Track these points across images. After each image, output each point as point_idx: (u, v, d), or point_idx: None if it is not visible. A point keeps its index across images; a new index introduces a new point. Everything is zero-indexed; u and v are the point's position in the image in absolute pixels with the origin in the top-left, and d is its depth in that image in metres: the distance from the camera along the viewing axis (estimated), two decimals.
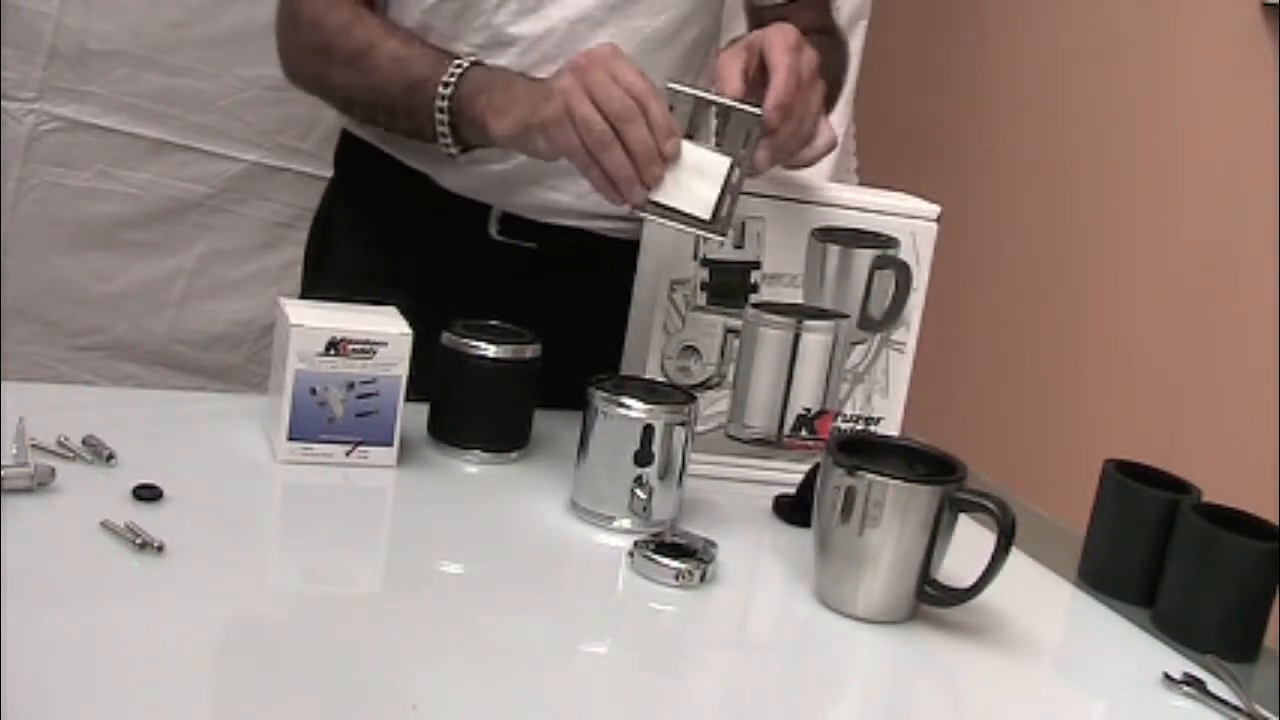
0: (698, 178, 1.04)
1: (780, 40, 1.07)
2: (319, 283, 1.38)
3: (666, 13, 1.28)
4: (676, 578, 0.97)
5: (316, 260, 1.44)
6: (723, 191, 1.04)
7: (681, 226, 1.05)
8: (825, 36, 1.36)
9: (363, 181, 1.38)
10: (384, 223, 1.36)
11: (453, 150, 1.18)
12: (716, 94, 1.06)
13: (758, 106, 1.04)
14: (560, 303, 1.26)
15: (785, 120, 1.05)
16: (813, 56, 1.08)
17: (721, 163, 1.05)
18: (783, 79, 1.04)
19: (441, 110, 1.16)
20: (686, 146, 1.05)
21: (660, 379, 1.15)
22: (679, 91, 1.05)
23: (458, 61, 1.16)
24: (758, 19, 1.42)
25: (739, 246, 1.14)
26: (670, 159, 1.04)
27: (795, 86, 1.05)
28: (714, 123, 1.06)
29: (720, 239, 1.06)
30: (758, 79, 1.08)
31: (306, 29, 1.25)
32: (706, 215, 1.04)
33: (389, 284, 1.18)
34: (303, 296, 1.34)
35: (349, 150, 1.40)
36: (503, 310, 1.18)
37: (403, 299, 1.14)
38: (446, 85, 1.15)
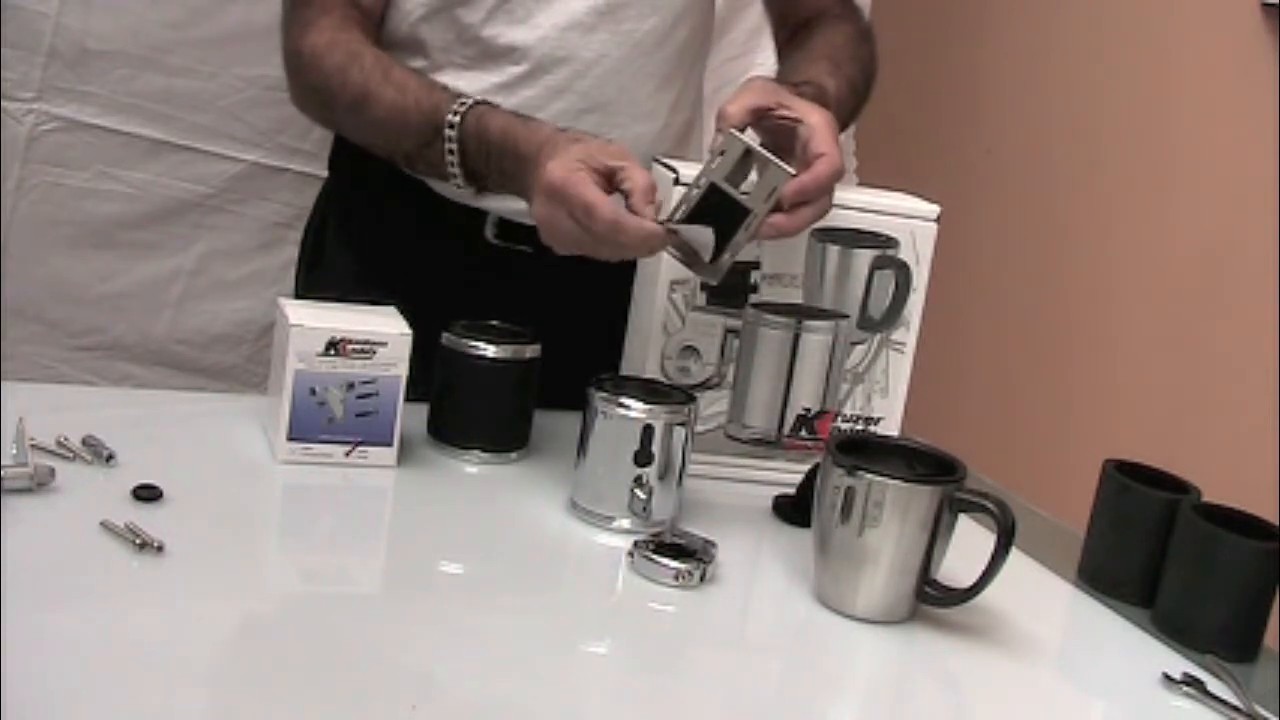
0: (717, 218, 1.05)
1: (827, 127, 1.08)
2: (313, 286, 1.37)
3: (657, 14, 1.27)
4: (676, 578, 0.97)
5: (310, 264, 1.43)
6: (731, 238, 1.05)
7: (682, 257, 1.06)
8: (850, 27, 1.33)
9: (357, 186, 1.38)
10: (379, 228, 1.36)
11: (480, 194, 1.18)
12: (761, 146, 1.07)
13: (791, 167, 1.05)
14: (558, 305, 1.26)
15: (797, 201, 1.06)
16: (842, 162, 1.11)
17: (740, 211, 1.05)
18: (824, 171, 1.06)
19: (453, 165, 1.15)
20: (716, 188, 1.05)
21: (660, 379, 1.15)
22: (735, 139, 1.06)
23: (450, 120, 1.13)
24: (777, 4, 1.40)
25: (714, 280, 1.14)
26: (657, 220, 1.03)
27: (824, 185, 1.07)
28: (754, 170, 1.07)
29: (712, 283, 1.08)
30: (778, 133, 1.10)
31: (307, 70, 1.22)
32: (707, 256, 1.05)
33: (384, 288, 1.17)
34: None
35: (343, 155, 1.39)
36: (501, 313, 1.18)
37: (399, 304, 1.14)
38: (451, 152, 1.14)
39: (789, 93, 1.13)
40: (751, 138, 1.07)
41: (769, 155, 1.05)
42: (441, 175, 1.17)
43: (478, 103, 1.15)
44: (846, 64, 1.26)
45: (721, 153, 1.05)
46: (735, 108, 1.09)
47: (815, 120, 1.09)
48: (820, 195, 1.07)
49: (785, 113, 1.10)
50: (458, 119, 1.13)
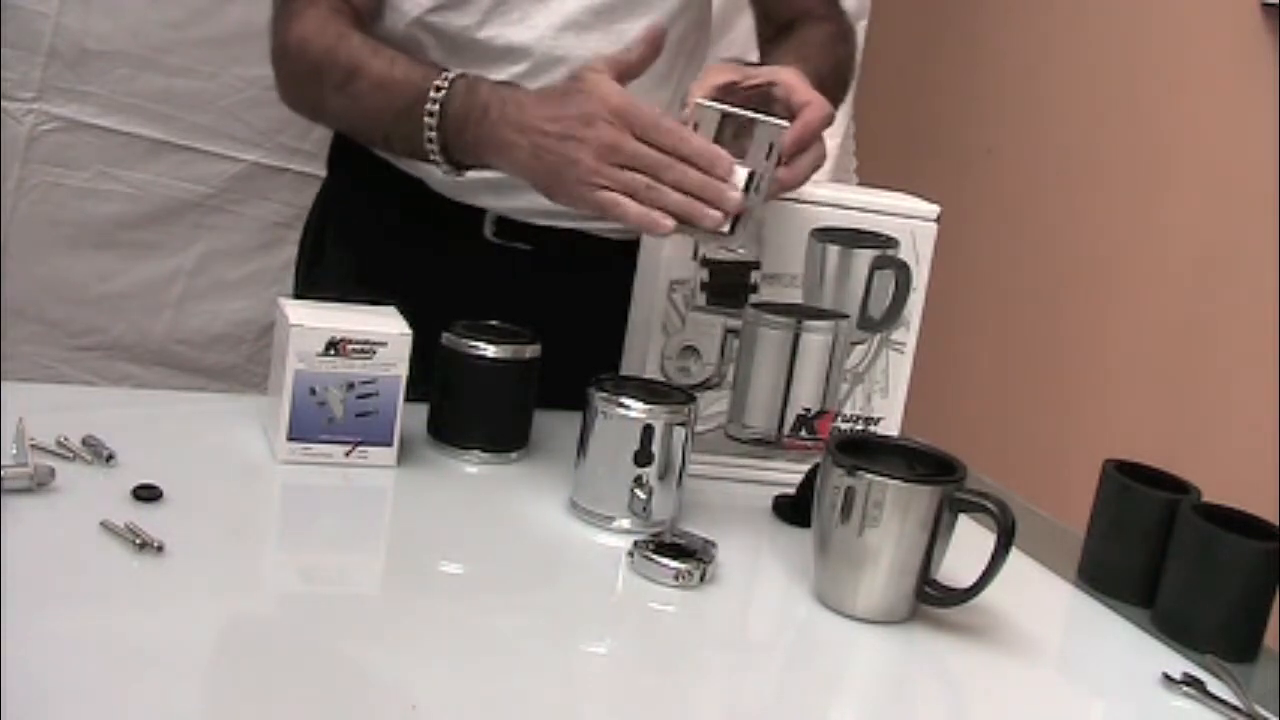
0: None
1: (801, 79, 1.07)
2: (313, 286, 1.37)
3: (652, 13, 1.27)
4: (676, 578, 0.97)
5: (310, 264, 1.43)
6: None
7: (704, 238, 1.05)
8: (831, 26, 1.33)
9: (356, 185, 1.38)
10: (378, 226, 1.35)
11: (456, 176, 1.16)
12: (743, 108, 1.05)
13: (783, 119, 1.04)
14: (558, 303, 1.26)
15: (794, 151, 1.05)
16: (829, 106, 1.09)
17: (740, 174, 1.04)
18: (814, 117, 1.05)
19: (431, 140, 1.11)
20: None
21: (660, 379, 1.15)
22: (707, 107, 1.04)
23: (437, 84, 1.11)
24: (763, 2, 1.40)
25: (743, 248, 1.14)
26: (728, 179, 1.01)
27: (817, 129, 1.06)
28: (732, 134, 1.05)
29: (741, 250, 1.07)
30: (753, 94, 1.08)
31: (295, 57, 1.21)
32: (726, 228, 1.03)
33: (384, 288, 1.17)
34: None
35: (342, 154, 1.39)
36: (500, 312, 1.18)
37: (398, 303, 1.14)
38: (431, 115, 1.10)
39: (749, 68, 1.12)
40: (726, 102, 1.05)
41: (753, 115, 1.03)
42: (416, 145, 1.13)
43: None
44: (816, 58, 1.25)
45: (695, 126, 1.03)
46: (700, 89, 1.08)
47: (786, 76, 1.08)
48: (815, 141, 1.06)
49: (753, 81, 1.09)
50: (446, 81, 1.11)
